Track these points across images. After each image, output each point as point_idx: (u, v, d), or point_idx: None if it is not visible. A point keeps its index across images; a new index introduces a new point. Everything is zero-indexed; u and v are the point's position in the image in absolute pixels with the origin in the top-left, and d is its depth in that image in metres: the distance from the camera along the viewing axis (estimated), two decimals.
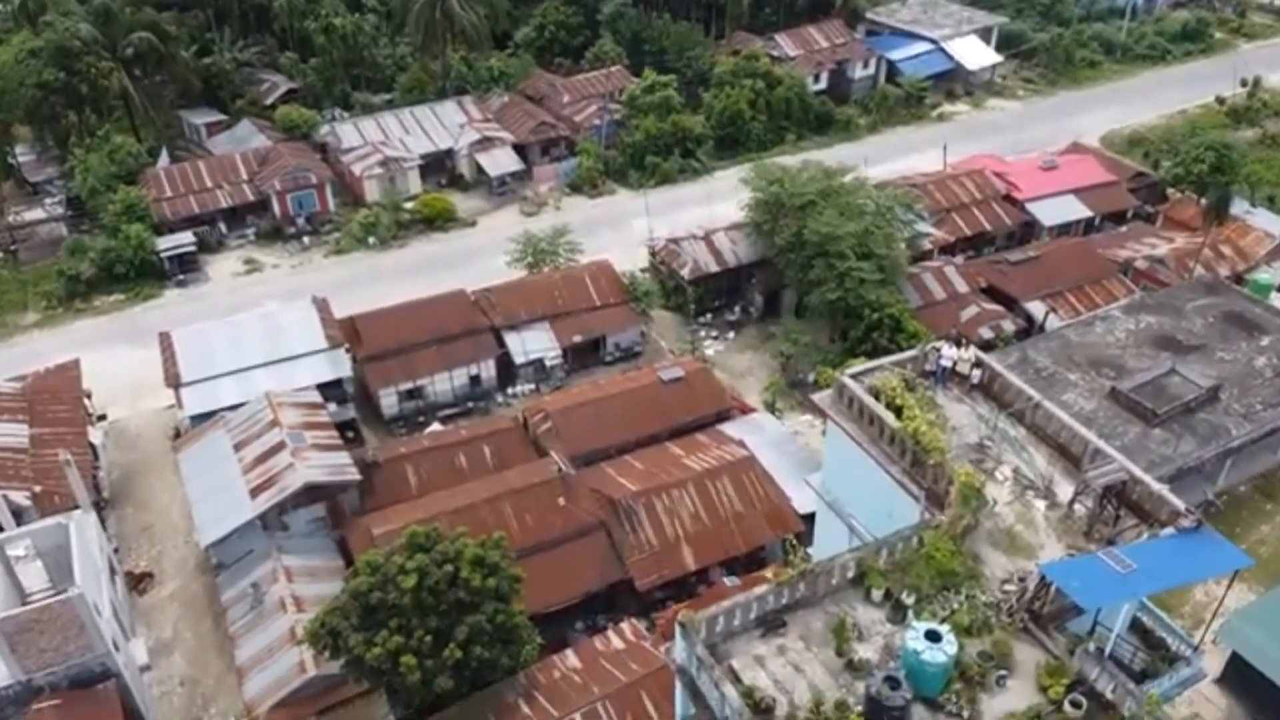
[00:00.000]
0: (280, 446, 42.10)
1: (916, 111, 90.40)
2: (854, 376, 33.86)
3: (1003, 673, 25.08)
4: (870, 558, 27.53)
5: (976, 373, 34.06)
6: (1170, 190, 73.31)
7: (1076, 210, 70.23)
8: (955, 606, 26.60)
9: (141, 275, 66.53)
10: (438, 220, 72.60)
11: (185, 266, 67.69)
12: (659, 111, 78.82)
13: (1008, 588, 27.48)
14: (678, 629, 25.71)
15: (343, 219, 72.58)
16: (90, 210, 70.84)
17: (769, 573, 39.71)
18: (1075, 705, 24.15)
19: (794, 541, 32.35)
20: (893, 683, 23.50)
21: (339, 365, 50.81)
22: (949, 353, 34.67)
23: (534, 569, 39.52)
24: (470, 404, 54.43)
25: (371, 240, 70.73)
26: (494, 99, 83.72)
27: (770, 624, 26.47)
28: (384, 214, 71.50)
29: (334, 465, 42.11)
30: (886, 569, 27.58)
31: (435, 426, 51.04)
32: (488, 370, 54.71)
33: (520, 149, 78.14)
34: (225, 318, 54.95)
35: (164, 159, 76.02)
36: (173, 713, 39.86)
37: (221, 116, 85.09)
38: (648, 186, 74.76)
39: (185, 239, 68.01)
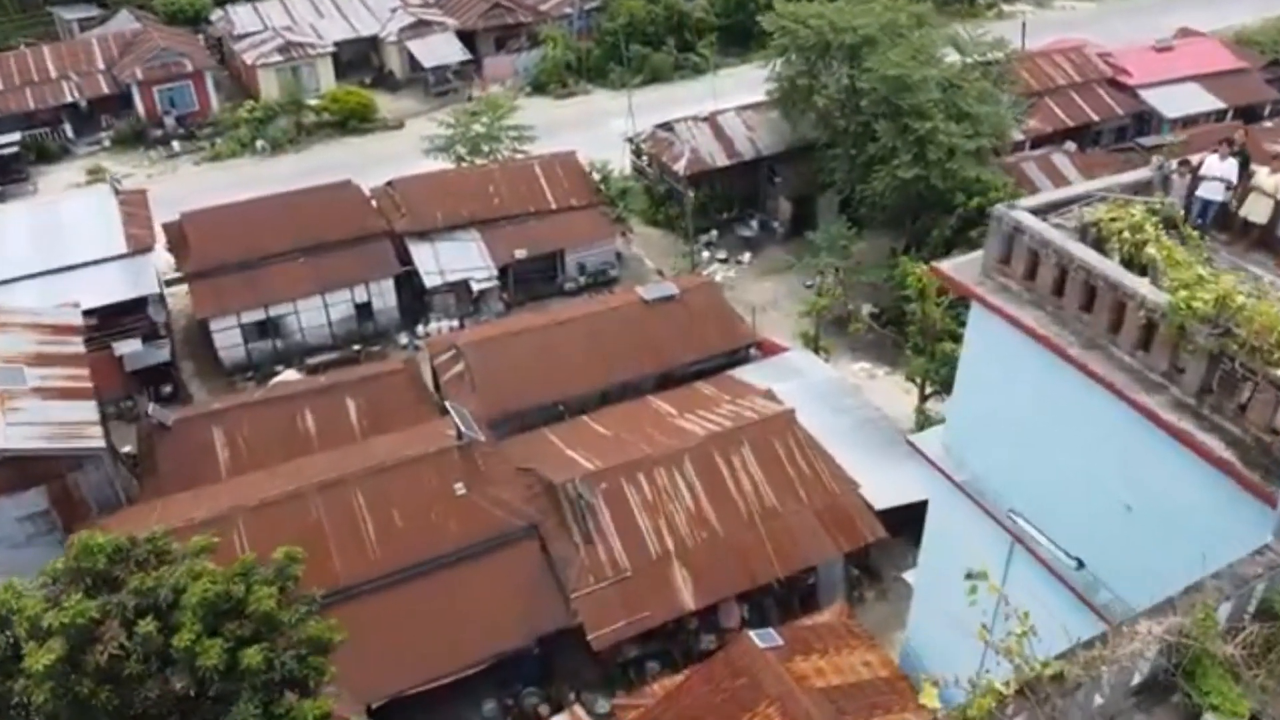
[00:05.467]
0: None
1: (969, 10, 72.62)
2: (1034, 212, 16.02)
3: None
4: (1204, 627, 9.54)
5: None
6: None
7: (1204, 100, 52.87)
8: None
9: None
10: (351, 121, 54.67)
11: (4, 175, 49.84)
12: None
13: None
14: None
15: (228, 120, 54.64)
16: None
17: (828, 614, 21.90)
18: None
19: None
20: None
21: (142, 279, 32.93)
22: (1219, 168, 16.75)
23: (402, 610, 21.92)
24: (358, 347, 36.41)
25: (261, 144, 52.89)
26: None
27: None
28: (281, 112, 53.73)
29: (63, 425, 24.16)
30: (1245, 654, 9.69)
31: (287, 374, 33.08)
32: (384, 297, 36.71)
33: (469, 39, 60.22)
34: None
35: None
36: None
37: (98, 11, 67.19)
38: (632, 84, 56.72)
39: (5, 140, 50.16)
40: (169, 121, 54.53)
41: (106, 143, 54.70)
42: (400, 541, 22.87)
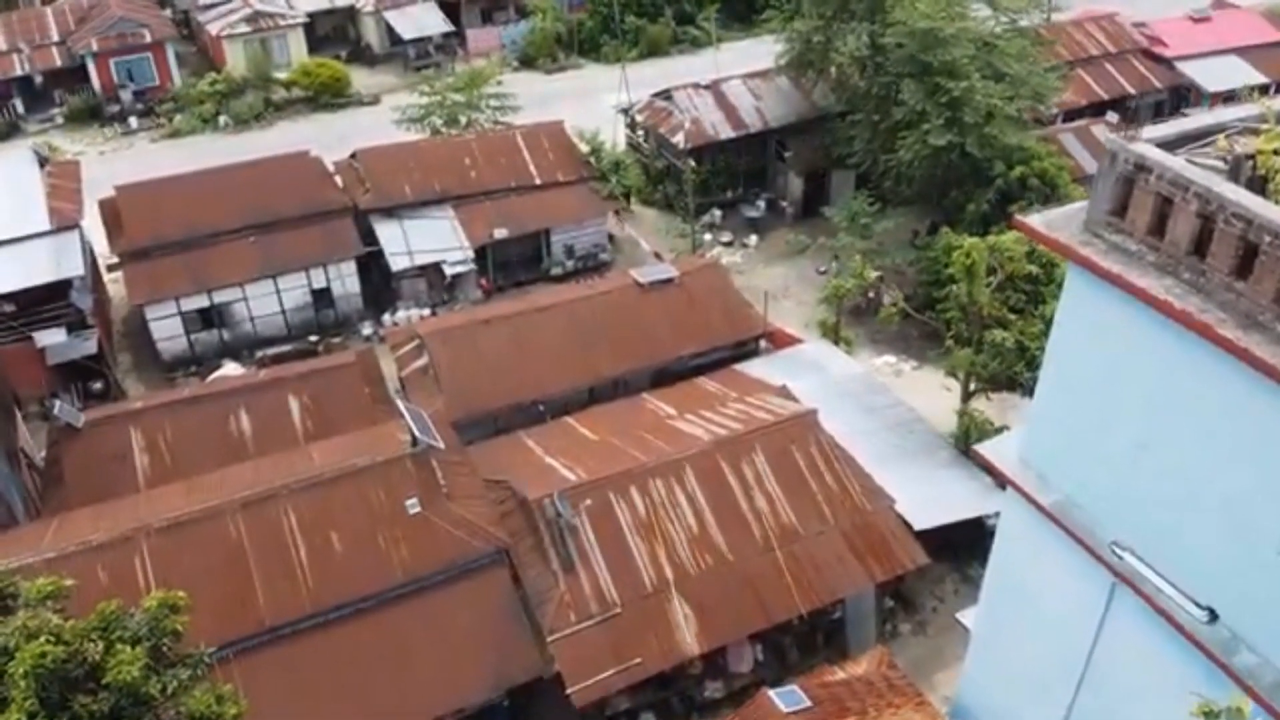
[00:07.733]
0: None
1: None
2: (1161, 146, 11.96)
3: None
4: None
5: None
6: None
7: (1244, 74, 49.01)
8: None
9: None
10: (323, 96, 50.61)
11: None
12: None
13: None
14: None
15: (190, 95, 50.54)
16: None
17: (865, 663, 17.85)
18: None
19: None
20: None
21: (66, 260, 28.77)
22: None
23: (341, 656, 17.94)
24: (315, 338, 32.34)
25: (224, 120, 48.85)
26: None
27: None
28: (248, 86, 49.76)
29: None
30: None
31: (228, 368, 29.04)
32: (345, 281, 32.60)
33: (452, 10, 56.19)
34: None
35: None
36: None
37: None
38: (627, 57, 52.58)
39: None
40: (126, 96, 50.57)
41: (59, 119, 51.02)
42: (339, 570, 18.78)
